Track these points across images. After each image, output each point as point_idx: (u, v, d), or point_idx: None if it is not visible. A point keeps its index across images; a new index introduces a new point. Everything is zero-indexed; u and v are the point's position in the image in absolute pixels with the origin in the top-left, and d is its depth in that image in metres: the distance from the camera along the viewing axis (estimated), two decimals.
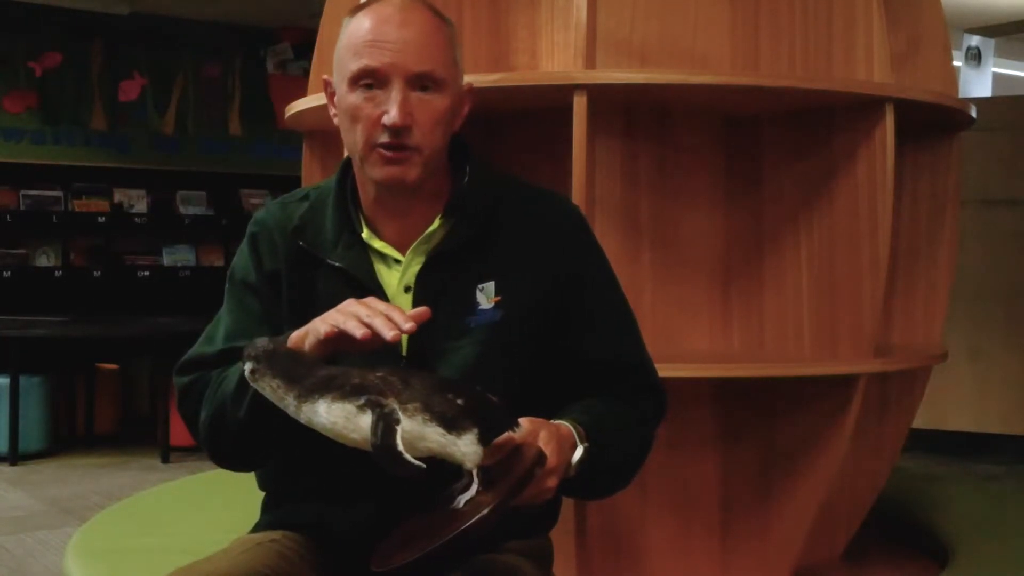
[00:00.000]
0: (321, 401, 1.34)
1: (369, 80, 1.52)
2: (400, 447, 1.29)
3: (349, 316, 1.39)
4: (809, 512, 2.63)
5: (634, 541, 2.69)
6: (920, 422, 3.21)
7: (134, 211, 6.74)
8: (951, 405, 5.32)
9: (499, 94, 2.46)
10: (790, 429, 2.66)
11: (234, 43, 7.10)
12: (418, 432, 1.31)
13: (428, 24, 1.55)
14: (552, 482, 1.40)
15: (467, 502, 1.35)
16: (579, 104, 2.37)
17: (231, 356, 1.55)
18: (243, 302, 1.63)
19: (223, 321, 1.64)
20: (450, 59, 1.56)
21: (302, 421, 1.37)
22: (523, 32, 2.78)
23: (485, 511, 1.31)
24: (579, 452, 1.46)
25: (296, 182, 3.00)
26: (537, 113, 2.64)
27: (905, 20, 2.95)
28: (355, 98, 1.53)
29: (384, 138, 1.51)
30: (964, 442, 5.43)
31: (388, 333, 1.37)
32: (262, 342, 1.40)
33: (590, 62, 2.42)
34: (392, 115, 1.49)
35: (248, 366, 1.39)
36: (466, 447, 1.33)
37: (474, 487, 1.35)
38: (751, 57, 2.75)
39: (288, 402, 1.37)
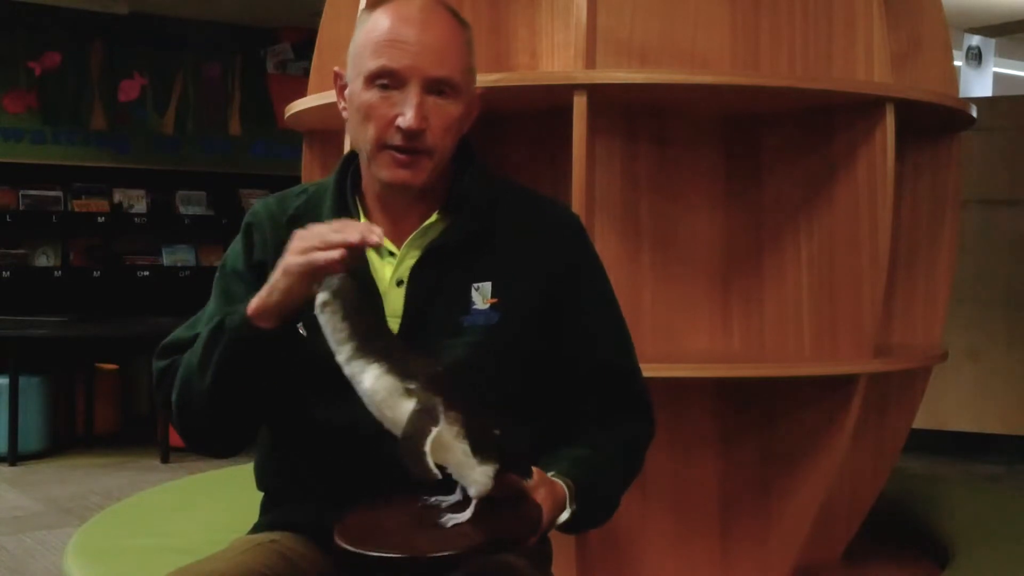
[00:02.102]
0: (375, 365, 1.32)
1: (386, 80, 1.51)
2: (427, 447, 1.28)
3: (308, 251, 1.38)
4: (809, 512, 2.63)
5: (634, 541, 2.69)
6: (920, 422, 3.20)
7: (134, 211, 6.73)
8: (951, 405, 5.32)
9: (499, 94, 2.46)
10: (790, 429, 2.66)
11: (234, 43, 7.10)
12: (447, 441, 1.30)
13: (449, 28, 1.54)
14: (532, 539, 1.41)
15: (454, 525, 1.33)
16: (579, 104, 2.37)
17: None
18: (229, 290, 1.63)
19: (207, 308, 1.64)
20: (467, 65, 1.56)
21: (346, 373, 1.35)
22: (523, 32, 2.78)
23: (464, 550, 1.29)
24: (565, 515, 1.47)
25: (296, 182, 2.99)
26: (537, 113, 2.64)
27: (905, 20, 2.95)
28: (370, 96, 1.52)
29: (396, 140, 1.51)
30: (964, 442, 5.43)
31: (364, 237, 1.37)
32: (343, 279, 1.37)
33: (590, 62, 2.42)
34: (408, 118, 1.49)
35: (322, 296, 1.35)
36: (480, 476, 1.32)
37: (466, 514, 1.34)
38: (751, 57, 2.75)
39: (344, 349, 1.34)
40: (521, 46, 2.79)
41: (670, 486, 2.69)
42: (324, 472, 1.57)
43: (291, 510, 1.62)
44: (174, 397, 1.55)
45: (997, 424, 5.40)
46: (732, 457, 2.73)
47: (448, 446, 1.30)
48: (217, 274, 1.67)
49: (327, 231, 1.40)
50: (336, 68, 1.64)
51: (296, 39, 7.10)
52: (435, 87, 1.51)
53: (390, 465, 1.51)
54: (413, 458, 1.28)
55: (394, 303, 1.54)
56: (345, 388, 1.53)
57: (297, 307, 1.44)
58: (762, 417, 2.69)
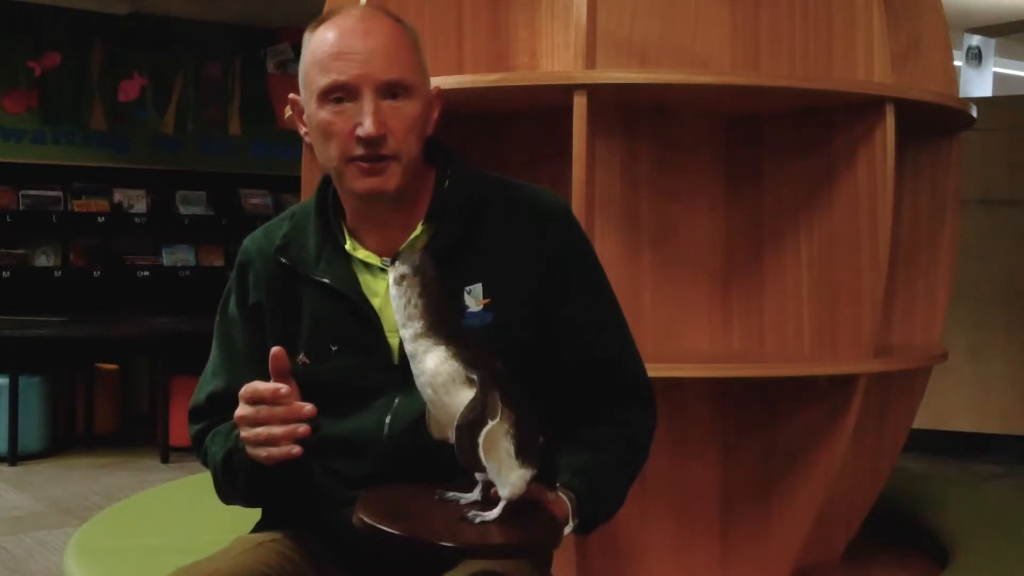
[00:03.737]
0: (442, 348, 1.33)
1: (339, 94, 1.50)
2: (480, 439, 1.29)
3: (257, 443, 1.45)
4: (809, 512, 2.63)
5: (634, 541, 2.69)
6: (920, 422, 3.21)
7: (134, 211, 6.73)
8: (951, 405, 5.32)
9: (499, 94, 2.46)
10: (790, 429, 2.66)
11: (234, 43, 7.09)
12: (496, 438, 1.30)
13: (392, 31, 1.53)
14: (547, 550, 1.44)
15: (480, 522, 1.34)
16: (579, 104, 2.37)
17: (216, 403, 1.62)
18: (228, 338, 1.66)
19: (211, 360, 1.68)
20: (416, 64, 1.55)
21: (407, 349, 1.36)
22: (523, 32, 2.78)
23: (482, 548, 1.31)
24: (569, 528, 1.47)
25: (296, 182, 3.01)
26: (537, 113, 2.64)
27: (905, 20, 2.95)
28: (326, 114, 1.51)
29: (360, 150, 1.50)
30: (964, 442, 5.43)
31: (295, 450, 1.43)
32: (424, 255, 1.38)
33: (590, 62, 2.42)
34: (367, 127, 1.48)
35: (401, 269, 1.36)
36: (517, 479, 1.32)
37: (493, 514, 1.34)
38: (751, 57, 2.76)
39: (414, 325, 1.35)
40: (521, 46, 2.79)
41: (670, 486, 2.69)
42: (325, 472, 1.58)
43: (292, 510, 1.63)
44: (214, 484, 1.64)
45: (997, 424, 5.40)
46: (732, 457, 2.73)
47: (495, 443, 1.31)
48: (218, 316, 1.69)
49: (265, 424, 1.44)
50: (291, 95, 1.63)
51: (296, 39, 7.06)
52: (388, 91, 1.50)
53: (391, 468, 1.52)
54: (465, 446, 1.29)
55: (391, 317, 1.53)
56: (351, 405, 1.55)
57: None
58: (762, 417, 2.69)
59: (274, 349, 1.46)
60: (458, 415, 1.30)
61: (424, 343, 1.34)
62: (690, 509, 2.72)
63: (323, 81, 1.51)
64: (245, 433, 1.46)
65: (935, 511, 3.21)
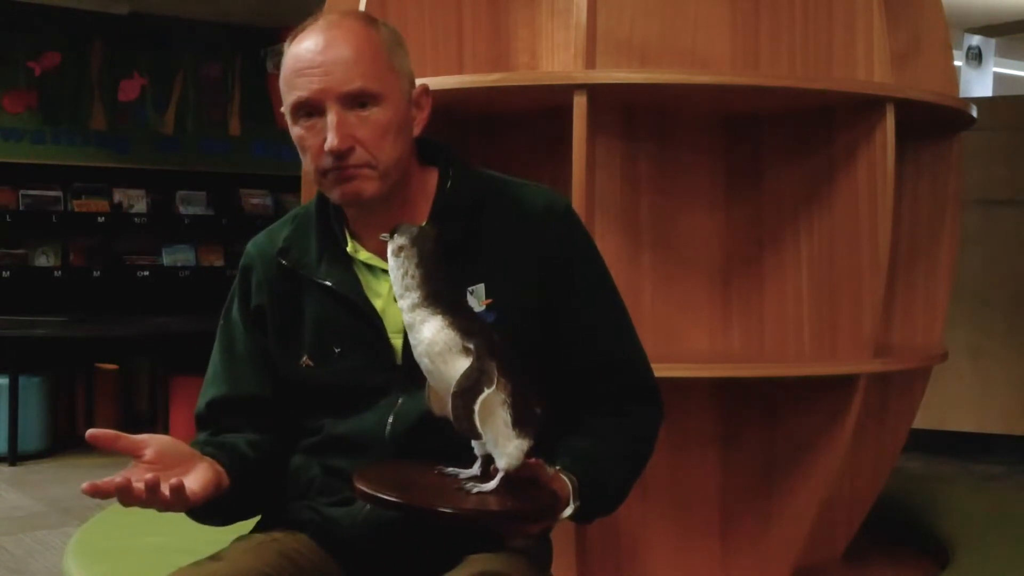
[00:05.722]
0: (439, 317, 1.35)
1: (306, 110, 1.52)
2: (477, 407, 1.30)
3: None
4: (809, 512, 2.63)
5: (634, 541, 2.69)
6: (920, 422, 3.21)
7: (134, 211, 6.72)
8: (951, 405, 5.32)
9: (499, 94, 2.46)
10: (790, 429, 2.66)
11: (234, 43, 7.09)
12: (492, 407, 1.32)
13: (353, 40, 1.52)
14: (535, 529, 1.44)
15: (477, 492, 1.36)
16: (579, 104, 2.37)
17: (216, 411, 1.63)
18: (229, 342, 1.66)
19: (211, 365, 1.68)
20: (384, 68, 1.53)
21: (404, 319, 1.38)
22: (523, 32, 2.78)
23: (480, 514, 1.33)
24: (569, 510, 1.47)
25: (296, 182, 3.01)
26: (537, 113, 2.64)
27: (905, 20, 2.95)
28: (298, 129, 1.54)
29: (329, 163, 1.51)
30: (964, 442, 5.42)
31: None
32: (422, 227, 1.40)
33: (590, 62, 2.42)
34: (330, 141, 1.49)
35: (400, 240, 1.38)
36: (513, 449, 1.34)
37: (490, 485, 1.36)
38: (751, 57, 2.76)
39: (411, 296, 1.37)
40: (521, 46, 2.79)
41: (670, 486, 2.69)
42: (325, 472, 1.58)
43: (292, 510, 1.63)
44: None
45: (997, 424, 5.39)
46: (732, 457, 2.73)
47: (492, 412, 1.32)
48: (221, 320, 1.69)
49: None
50: (281, 109, 1.64)
51: None
52: (354, 101, 1.50)
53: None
54: (462, 413, 1.30)
55: (394, 318, 1.53)
56: (354, 406, 1.55)
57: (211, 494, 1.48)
58: (762, 417, 2.69)
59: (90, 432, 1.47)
60: (454, 384, 1.32)
61: (421, 313, 1.36)
62: (690, 509, 2.72)
63: (290, 99, 1.53)
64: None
65: (935, 511, 3.21)
